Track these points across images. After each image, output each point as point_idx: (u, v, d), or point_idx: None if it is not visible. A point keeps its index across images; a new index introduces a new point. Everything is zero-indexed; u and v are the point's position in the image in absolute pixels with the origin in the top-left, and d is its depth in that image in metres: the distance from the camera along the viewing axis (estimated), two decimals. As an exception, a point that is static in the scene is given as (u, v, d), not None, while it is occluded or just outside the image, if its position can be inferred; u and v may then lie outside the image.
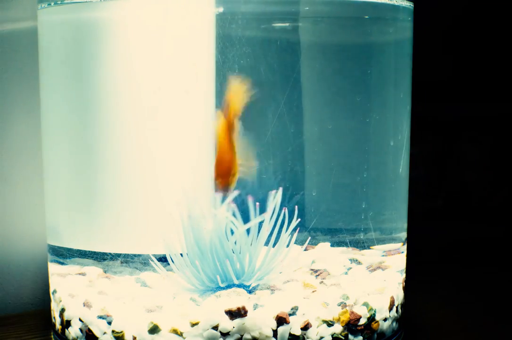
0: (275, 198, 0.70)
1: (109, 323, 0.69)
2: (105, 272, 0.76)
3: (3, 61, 0.90)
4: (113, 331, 0.68)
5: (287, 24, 0.74)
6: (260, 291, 0.70)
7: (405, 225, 0.83)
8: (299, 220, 0.71)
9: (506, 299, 0.98)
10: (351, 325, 0.70)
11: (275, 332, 0.67)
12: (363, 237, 0.78)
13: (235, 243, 0.70)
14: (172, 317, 0.67)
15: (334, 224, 0.79)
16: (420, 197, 1.30)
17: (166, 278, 0.71)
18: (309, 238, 0.76)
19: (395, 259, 0.80)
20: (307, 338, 0.68)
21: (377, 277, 0.77)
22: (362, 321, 0.71)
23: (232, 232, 0.70)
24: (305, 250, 0.76)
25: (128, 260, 0.75)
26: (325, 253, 0.79)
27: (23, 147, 0.92)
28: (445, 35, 1.31)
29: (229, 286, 0.70)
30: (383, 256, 0.80)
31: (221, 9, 0.71)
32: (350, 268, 0.77)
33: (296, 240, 0.72)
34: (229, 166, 0.69)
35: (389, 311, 0.75)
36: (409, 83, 0.82)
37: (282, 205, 0.71)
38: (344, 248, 0.79)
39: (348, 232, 0.79)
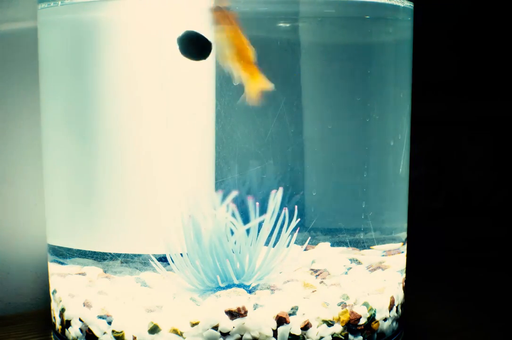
0: (275, 197, 0.70)
1: (109, 323, 0.69)
2: (105, 272, 0.76)
3: (3, 61, 0.90)
4: (113, 331, 0.68)
5: (287, 24, 0.74)
6: (260, 291, 0.70)
7: (405, 225, 0.83)
8: (299, 220, 0.71)
9: (506, 299, 0.98)
10: (351, 325, 0.70)
11: (275, 332, 0.67)
12: (363, 237, 0.78)
13: (235, 243, 0.70)
14: (172, 317, 0.67)
15: (334, 224, 0.79)
16: (420, 197, 1.30)
17: (166, 278, 0.71)
18: (309, 238, 0.76)
19: (395, 259, 0.80)
20: (307, 338, 0.68)
21: (377, 277, 0.77)
22: (362, 321, 0.71)
23: (232, 232, 0.70)
24: (305, 250, 0.76)
25: (128, 260, 0.75)
26: (325, 253, 0.79)
27: (23, 147, 0.92)
28: (447, 35, 1.31)
29: (229, 286, 0.70)
30: (383, 256, 0.80)
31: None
32: (350, 268, 0.77)
33: (296, 240, 0.72)
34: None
35: (389, 311, 0.75)
36: (409, 83, 0.82)
37: (282, 205, 0.71)
38: (344, 248, 0.79)
39: (348, 232, 0.79)
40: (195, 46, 0.65)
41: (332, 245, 0.80)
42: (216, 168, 0.74)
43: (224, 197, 0.69)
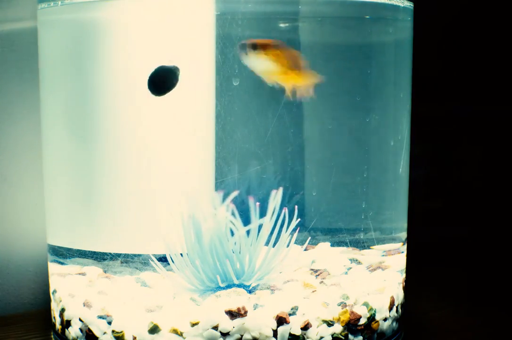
0: (275, 197, 0.70)
1: (109, 323, 0.69)
2: (105, 272, 0.76)
3: (3, 61, 0.90)
4: (113, 331, 0.68)
5: (287, 24, 0.74)
6: (260, 291, 0.70)
7: (405, 225, 0.83)
8: (299, 220, 0.71)
9: (506, 299, 0.98)
10: (351, 325, 0.70)
11: (275, 332, 0.67)
12: (363, 237, 0.78)
13: (235, 243, 0.70)
14: (172, 317, 0.67)
15: (334, 224, 0.79)
16: (420, 197, 1.30)
17: (166, 278, 0.71)
18: (309, 238, 0.76)
19: (395, 259, 0.80)
20: (307, 338, 0.68)
21: (377, 277, 0.77)
22: (362, 321, 0.71)
23: (232, 232, 0.70)
24: (305, 250, 0.76)
25: (128, 260, 0.75)
26: (325, 253, 0.79)
27: (23, 147, 0.92)
28: (447, 35, 1.31)
29: (229, 286, 0.70)
30: (383, 256, 0.80)
31: (221, 9, 0.71)
32: (350, 268, 0.77)
33: (296, 240, 0.72)
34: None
35: (389, 311, 0.75)
36: (409, 83, 0.82)
37: (282, 205, 0.71)
38: (344, 248, 0.79)
39: (348, 232, 0.79)
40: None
41: (332, 245, 0.80)
42: (216, 168, 0.74)
43: (224, 197, 0.69)
